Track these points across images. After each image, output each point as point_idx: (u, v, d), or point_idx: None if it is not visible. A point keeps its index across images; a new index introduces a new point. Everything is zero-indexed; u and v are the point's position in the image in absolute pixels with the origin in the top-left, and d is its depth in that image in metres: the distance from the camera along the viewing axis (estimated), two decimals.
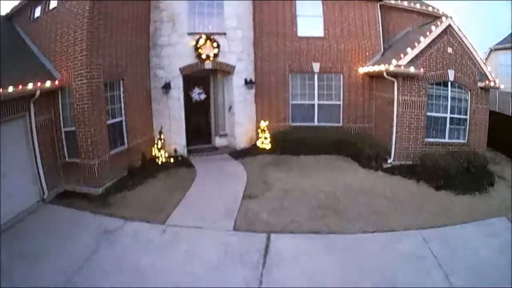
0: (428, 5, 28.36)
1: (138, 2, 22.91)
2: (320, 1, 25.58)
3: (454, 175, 19.75)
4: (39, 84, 17.76)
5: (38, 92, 17.76)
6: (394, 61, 21.19)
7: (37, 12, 21.08)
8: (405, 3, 26.92)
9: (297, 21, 25.94)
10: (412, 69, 20.94)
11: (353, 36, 25.74)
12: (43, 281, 12.30)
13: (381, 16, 26.10)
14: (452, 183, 19.40)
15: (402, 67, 21.07)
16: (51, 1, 20.15)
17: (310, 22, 25.95)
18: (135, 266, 12.90)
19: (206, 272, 12.49)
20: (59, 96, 19.56)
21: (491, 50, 43.55)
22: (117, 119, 21.59)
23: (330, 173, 21.05)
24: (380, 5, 25.88)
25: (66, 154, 20.10)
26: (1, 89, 15.34)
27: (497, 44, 42.54)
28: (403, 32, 27.13)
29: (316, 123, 26.53)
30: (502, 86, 23.11)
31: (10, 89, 16.03)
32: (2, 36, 20.48)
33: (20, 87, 16.64)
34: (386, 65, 21.52)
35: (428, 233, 14.94)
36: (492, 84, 22.05)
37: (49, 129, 19.56)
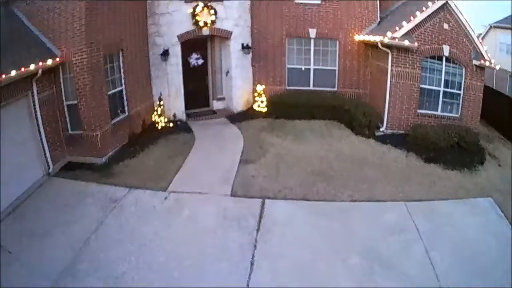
0: None
1: None
2: None
3: (444, 148, 20.72)
4: (40, 63, 18.36)
5: (40, 71, 18.57)
6: (389, 34, 21.83)
7: None
8: None
9: None
10: (406, 42, 21.62)
11: (350, 4, 26.28)
12: (52, 257, 13.53)
13: None
14: (441, 157, 20.39)
15: (397, 40, 21.75)
16: None
17: None
18: (141, 234, 14.19)
19: (206, 237, 13.85)
20: (60, 72, 20.20)
21: (490, 27, 44.20)
22: (117, 89, 22.43)
23: (323, 139, 22.14)
24: None
25: (69, 127, 20.96)
26: (3, 75, 16.11)
27: (496, 22, 43.08)
28: (401, 1, 27.65)
29: (311, 87, 27.58)
30: (497, 67, 23.57)
31: (13, 73, 16.60)
32: (2, 20, 21.15)
33: (23, 69, 17.28)
34: (381, 37, 22.33)
35: (413, 206, 16.10)
36: (487, 63, 22.60)
37: (52, 105, 20.36)
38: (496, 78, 36.88)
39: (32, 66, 17.89)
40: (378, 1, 26.48)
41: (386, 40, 21.82)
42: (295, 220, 14.91)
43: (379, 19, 26.50)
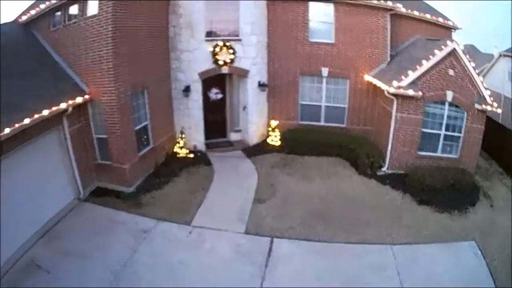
0: (438, 15, 30.91)
1: (156, 8, 26.64)
2: (332, 7, 28.90)
3: (439, 190, 23.41)
4: (70, 102, 21.42)
5: (70, 109, 21.57)
6: (395, 83, 24.55)
7: (56, 22, 24.39)
8: (416, 12, 29.76)
9: (309, 26, 29.64)
10: (410, 92, 24.25)
11: (361, 43, 29.17)
12: (93, 277, 17.02)
13: (390, 22, 29.12)
14: (435, 199, 22.97)
15: (402, 90, 24.40)
16: (67, 14, 23.60)
17: (321, 28, 29.64)
18: (169, 263, 17.90)
19: (223, 268, 17.66)
20: (89, 107, 23.59)
21: (500, 55, 46.20)
22: (143, 124, 26.04)
23: (328, 179, 25.72)
24: (391, 14, 28.79)
25: (98, 157, 24.65)
26: (36, 115, 18.93)
27: (506, 50, 44.90)
28: (412, 39, 30.49)
29: (322, 122, 31.19)
30: (499, 111, 25.40)
31: (45, 112, 19.49)
32: (25, 46, 24.22)
33: (54, 108, 20.25)
34: (387, 86, 25.05)
35: (398, 249, 19.16)
36: (489, 108, 24.55)
37: (81, 136, 23.71)
38: (503, 109, 37.63)
39: (63, 105, 20.92)
40: (389, 41, 29.26)
41: (391, 90, 24.62)
42: (296, 258, 18.52)
43: (388, 59, 29.33)
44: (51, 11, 23.87)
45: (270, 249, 19.22)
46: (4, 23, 25.81)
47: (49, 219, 21.21)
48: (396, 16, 29.45)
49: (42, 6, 23.54)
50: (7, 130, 17.00)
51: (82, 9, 22.69)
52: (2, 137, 16.87)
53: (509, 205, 23.78)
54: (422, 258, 18.64)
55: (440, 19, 30.67)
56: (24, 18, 25.02)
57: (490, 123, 29.33)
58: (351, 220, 21.44)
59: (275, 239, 19.90)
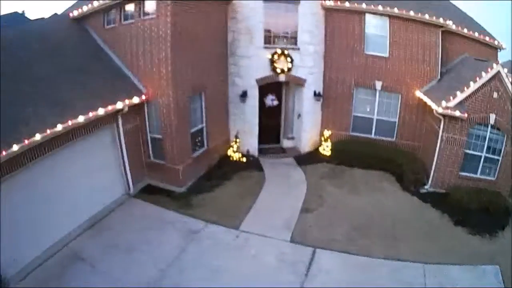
0: (485, 34, 30.86)
1: (215, 13, 27.15)
2: (387, 21, 29.26)
3: (475, 211, 23.64)
4: (127, 101, 22.49)
5: (126, 108, 22.68)
6: (443, 103, 24.80)
7: (111, 20, 25.09)
8: (465, 30, 29.82)
9: (365, 38, 30.13)
10: (457, 113, 24.49)
11: (414, 59, 29.39)
12: (139, 272, 18.06)
13: (441, 39, 29.30)
14: (470, 220, 23.19)
15: (449, 111, 24.64)
16: (123, 12, 24.21)
17: (376, 41, 30.00)
18: (215, 265, 18.69)
19: (265, 274, 18.40)
20: (145, 107, 24.57)
21: None
22: (199, 126, 27.08)
23: (373, 194, 26.20)
24: (442, 31, 28.93)
25: (151, 155, 25.75)
26: (92, 113, 20.17)
27: None
28: (461, 57, 30.45)
29: (372, 135, 31.62)
30: None
31: (101, 111, 20.64)
32: (81, 42, 25.11)
33: (110, 107, 21.35)
34: (436, 105, 25.34)
35: (429, 268, 19.51)
36: None
37: (135, 135, 24.85)
38: None
39: (120, 104, 22.05)
40: (440, 58, 29.40)
41: (440, 110, 24.87)
42: (335, 270, 19.04)
43: (439, 76, 29.54)
44: (105, 8, 24.71)
45: (312, 259, 19.81)
46: (54, 16, 27.51)
47: (98, 212, 22.47)
48: (446, 33, 29.62)
49: (96, 3, 24.25)
50: (59, 127, 18.34)
51: (139, 9, 23.40)
52: (53, 134, 18.20)
53: None
54: (448, 279, 19.05)
55: (487, 38, 30.74)
56: (75, 13, 25.71)
57: None
58: (390, 236, 21.95)
59: (317, 250, 20.48)
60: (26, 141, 16.80)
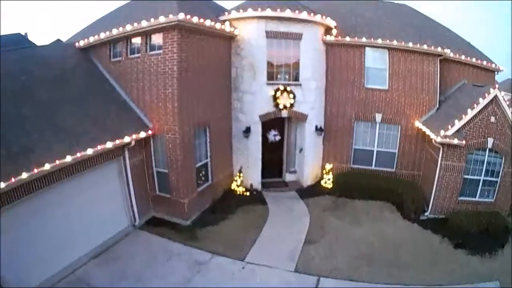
0: (482, 59, 32.12)
1: (219, 49, 28.09)
2: (387, 53, 30.43)
3: (474, 234, 24.17)
4: (134, 136, 23.20)
5: (133, 142, 23.42)
6: (442, 132, 25.56)
7: (117, 53, 25.92)
8: (463, 57, 31.09)
9: (365, 72, 31.10)
10: (455, 141, 25.23)
11: (413, 90, 30.45)
12: None
13: (439, 68, 30.43)
14: (469, 243, 23.59)
15: (448, 139, 25.39)
16: (130, 46, 25.06)
17: (376, 74, 31.00)
18: None
19: None
20: (151, 142, 25.20)
21: None
22: (204, 161, 27.59)
23: (374, 223, 26.63)
24: (440, 59, 30.13)
25: (156, 188, 26.21)
26: (99, 146, 20.81)
27: None
28: (459, 84, 31.71)
29: (373, 167, 32.42)
30: None
31: (109, 144, 21.31)
32: (87, 73, 25.75)
33: (118, 141, 22.08)
34: (435, 135, 26.08)
35: None
36: None
37: (141, 168, 25.45)
38: None
39: (127, 139, 22.80)
40: (438, 86, 30.61)
41: (438, 139, 25.57)
42: None
43: (438, 105, 30.61)
44: (112, 41, 25.59)
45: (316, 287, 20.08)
46: (60, 44, 28.60)
47: (104, 242, 22.88)
48: (444, 61, 30.74)
49: (102, 35, 25.11)
50: (68, 158, 18.90)
51: (146, 44, 24.12)
52: (62, 165, 18.74)
53: None
54: None
55: (484, 62, 31.89)
56: (81, 43, 26.67)
57: None
58: (392, 263, 22.24)
59: (321, 278, 20.79)
60: (36, 170, 17.23)
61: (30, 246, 18.27)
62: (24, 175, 16.64)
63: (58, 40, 34.09)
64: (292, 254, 22.98)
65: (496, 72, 32.81)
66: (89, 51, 27.02)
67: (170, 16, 22.03)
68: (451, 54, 30.47)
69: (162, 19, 22.20)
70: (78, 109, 22.56)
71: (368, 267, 21.92)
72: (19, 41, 40.48)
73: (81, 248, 21.47)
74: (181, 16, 22.03)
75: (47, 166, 17.70)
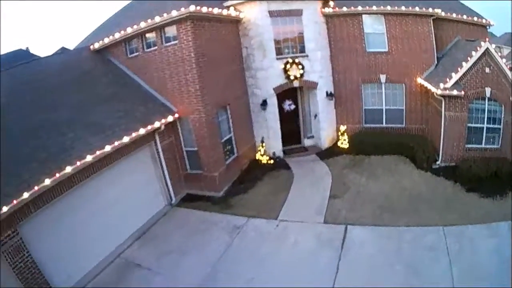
0: (473, 15, 33.13)
1: (228, 32, 29.81)
2: (383, 19, 31.50)
3: (484, 178, 25.07)
4: (163, 120, 24.85)
5: (162, 127, 25.06)
6: (441, 85, 26.62)
7: (133, 49, 27.48)
8: (454, 15, 32.01)
9: (365, 38, 32.47)
10: (455, 92, 26.31)
11: (411, 50, 31.49)
12: (194, 271, 19.67)
13: (434, 27, 31.33)
14: (480, 187, 24.51)
15: (447, 91, 26.53)
16: (145, 41, 26.58)
17: (376, 39, 32.30)
18: (262, 252, 20.60)
19: (307, 255, 20.13)
20: (178, 124, 27.07)
21: None
22: (228, 136, 29.52)
23: (391, 176, 28.02)
24: (433, 19, 31.08)
25: (187, 167, 28.27)
26: (134, 133, 22.60)
27: None
28: (454, 40, 32.82)
29: (384, 124, 33.83)
30: None
31: (142, 131, 23.05)
32: (107, 72, 27.37)
33: (149, 127, 23.82)
34: (435, 88, 27.23)
35: (448, 229, 20.96)
36: None
37: (172, 150, 27.22)
38: None
39: (157, 124, 24.49)
40: (434, 45, 31.66)
41: (439, 91, 26.87)
42: (366, 241, 20.84)
43: (436, 61, 31.60)
44: (127, 39, 27.20)
45: (345, 235, 21.72)
46: (77, 50, 29.96)
47: (144, 223, 24.51)
48: (437, 21, 31.74)
49: (117, 35, 26.71)
50: (107, 148, 20.71)
51: (161, 37, 25.70)
52: (102, 155, 20.59)
53: None
54: (466, 237, 20.45)
55: (475, 18, 32.86)
56: (96, 45, 28.41)
57: None
58: (411, 209, 23.58)
59: (349, 227, 22.42)
60: (78, 162, 18.87)
61: (75, 238, 19.66)
62: (68, 169, 18.19)
63: (63, 48, 35.55)
64: (319, 208, 24.64)
65: (487, 27, 33.67)
66: (104, 52, 28.83)
67: (182, 9, 23.50)
68: (443, 14, 31.30)
69: (174, 13, 23.68)
70: (106, 105, 24.17)
71: (390, 214, 23.32)
72: (23, 56, 40.99)
73: (124, 232, 23.00)
74: (192, 8, 23.52)
75: (88, 158, 19.28)
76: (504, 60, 26.33)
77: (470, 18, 32.80)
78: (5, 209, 15.36)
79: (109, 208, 21.74)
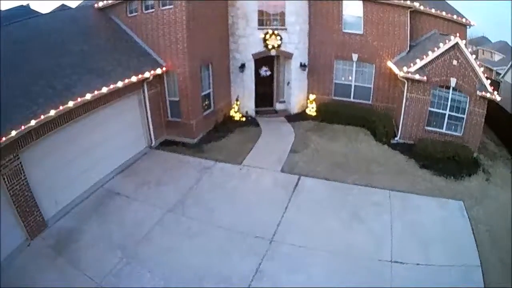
0: (453, 13, 34.15)
1: (219, 2, 32.71)
2: (361, 3, 33.73)
3: (441, 159, 27.30)
4: (152, 72, 27.87)
5: (151, 77, 28.07)
6: (405, 68, 29.16)
7: (133, 9, 30.05)
8: (433, 10, 33.40)
9: (342, 19, 34.98)
10: (417, 76, 28.74)
11: (385, 35, 33.79)
12: (167, 197, 23.29)
13: (411, 18, 33.17)
14: (435, 165, 26.78)
15: (410, 74, 29.02)
16: (144, 3, 29.27)
17: (352, 21, 34.84)
18: (225, 187, 24.50)
19: (264, 191, 24.24)
20: (164, 76, 30.18)
21: None
22: (207, 91, 33.10)
23: (350, 142, 31.04)
24: (410, 11, 32.81)
25: (169, 115, 31.60)
26: (127, 80, 25.26)
27: None
28: (430, 33, 34.49)
29: (352, 99, 36.86)
30: (498, 98, 27.93)
31: (133, 78, 25.86)
32: (109, 28, 30.03)
33: (140, 76, 26.70)
34: (399, 70, 29.89)
35: (394, 193, 23.71)
36: (488, 95, 27.77)
37: (157, 99, 30.36)
38: None
39: (147, 74, 27.49)
40: (408, 34, 33.76)
41: (401, 74, 29.58)
42: (316, 190, 24.27)
43: (408, 48, 33.83)
44: (128, 0, 30.01)
45: (297, 183, 25.39)
46: (82, 7, 32.87)
47: (126, 160, 27.94)
48: (416, 13, 33.73)
49: None
50: (104, 89, 23.61)
51: (158, 1, 28.67)
52: (99, 95, 23.45)
53: (506, 183, 26.75)
54: (411, 203, 23.19)
55: (455, 16, 34.17)
56: (100, 4, 31.11)
57: (503, 112, 35.44)
58: (363, 171, 26.62)
59: (302, 177, 25.88)
60: (79, 99, 21.65)
61: (63, 167, 22.41)
62: (70, 103, 20.99)
63: (63, 5, 38.42)
64: (279, 159, 28.32)
65: (468, 26, 35.06)
66: (107, 10, 31.59)
67: None
68: (421, 8, 33.10)
69: None
70: (106, 55, 27.06)
71: (342, 171, 26.60)
72: (25, 12, 42.15)
73: (107, 167, 26.18)
74: None
75: (88, 96, 22.19)
76: (474, 56, 28.54)
77: (449, 15, 34.23)
78: (13, 133, 17.65)
79: (97, 145, 24.76)
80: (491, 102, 28.96)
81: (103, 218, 21.95)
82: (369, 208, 22.76)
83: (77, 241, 20.05)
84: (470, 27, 35.43)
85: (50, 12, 31.82)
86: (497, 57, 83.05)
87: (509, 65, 53.25)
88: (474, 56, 28.50)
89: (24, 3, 48.48)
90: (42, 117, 19.30)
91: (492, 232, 20.97)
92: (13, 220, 19.14)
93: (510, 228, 21.12)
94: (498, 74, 65.74)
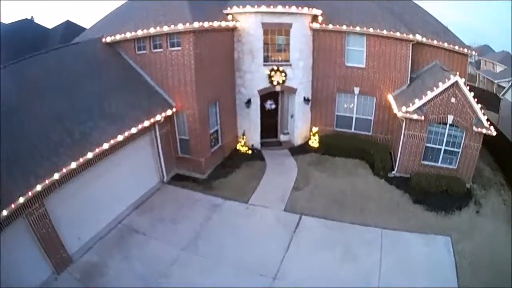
0: (455, 43, 35.65)
1: (225, 39, 34.95)
2: (364, 38, 35.94)
3: (434, 193, 29.15)
4: (163, 114, 30.08)
5: (162, 119, 30.28)
6: (403, 108, 30.69)
7: (141, 47, 31.93)
8: (435, 42, 35.22)
9: (345, 53, 37.06)
10: (415, 116, 30.35)
11: (386, 68, 35.69)
12: (181, 235, 25.65)
13: (412, 50, 34.87)
14: (428, 200, 28.57)
15: (408, 114, 30.60)
16: (152, 43, 31.27)
17: (355, 54, 36.94)
18: (233, 225, 26.94)
19: (267, 229, 26.57)
20: (174, 116, 32.42)
21: None
22: (215, 128, 35.34)
23: (348, 176, 33.48)
24: (412, 43, 34.55)
25: (179, 151, 34.05)
26: (140, 125, 27.60)
27: None
28: (431, 64, 36.36)
29: (353, 130, 39.29)
30: (494, 133, 29.38)
31: (146, 123, 28.18)
32: (118, 65, 31.66)
33: (152, 120, 28.88)
34: (398, 110, 31.55)
35: (386, 232, 25.80)
36: (484, 130, 29.21)
37: (167, 137, 32.60)
38: None
39: (158, 117, 29.79)
40: (409, 67, 35.51)
41: (400, 114, 31.34)
42: (315, 229, 26.55)
43: (408, 82, 35.66)
44: (136, 38, 31.97)
45: (299, 222, 27.83)
46: (90, 41, 33.43)
47: (141, 196, 30.20)
48: (418, 44, 35.39)
49: (128, 34, 31.46)
50: (120, 137, 25.80)
51: (166, 42, 30.75)
52: (115, 143, 25.53)
53: (495, 212, 29.01)
54: (401, 241, 25.15)
55: (456, 47, 35.81)
56: (108, 39, 32.82)
57: (502, 139, 37.29)
58: (358, 208, 28.94)
59: (303, 216, 28.38)
60: (97, 149, 23.83)
61: (85, 207, 24.37)
62: (89, 155, 23.20)
63: (68, 21, 40.36)
64: (282, 198, 30.80)
65: (469, 56, 36.67)
66: (116, 45, 33.34)
67: (187, 24, 28.75)
68: (424, 40, 34.90)
69: (180, 26, 29.00)
70: (118, 96, 28.71)
71: (340, 209, 28.93)
72: (28, 26, 46.70)
73: (124, 203, 28.37)
74: (196, 24, 28.85)
75: (105, 146, 24.29)
76: (471, 93, 29.89)
77: (451, 46, 35.86)
78: (39, 187, 19.82)
79: (114, 183, 26.76)
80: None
81: (124, 253, 24.35)
82: (362, 247, 25.14)
83: (103, 275, 22.63)
84: (471, 56, 37.72)
85: (62, 47, 32.56)
86: (499, 68, 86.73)
87: (509, 84, 54.86)
88: (471, 93, 29.95)
89: (28, 16, 50.34)
90: (64, 170, 21.62)
91: (473, 264, 23.24)
92: (40, 257, 21.58)
93: (491, 259, 23.35)
94: (499, 87, 69.80)
